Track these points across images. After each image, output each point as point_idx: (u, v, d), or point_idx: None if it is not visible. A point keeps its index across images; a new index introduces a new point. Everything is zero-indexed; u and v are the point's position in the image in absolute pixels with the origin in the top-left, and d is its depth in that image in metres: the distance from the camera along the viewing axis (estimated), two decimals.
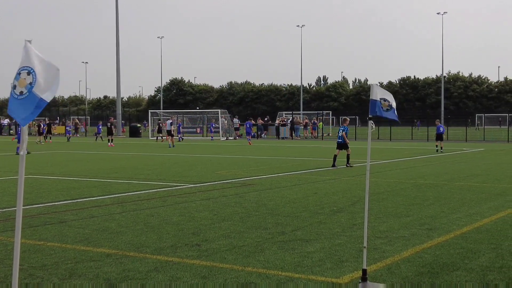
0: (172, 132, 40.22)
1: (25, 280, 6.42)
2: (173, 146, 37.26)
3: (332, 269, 6.89)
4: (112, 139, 40.11)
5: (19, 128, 31.79)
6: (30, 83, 4.13)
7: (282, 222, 9.98)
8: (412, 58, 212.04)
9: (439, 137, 31.42)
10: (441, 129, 31.83)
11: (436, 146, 31.25)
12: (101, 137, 50.28)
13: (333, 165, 21.17)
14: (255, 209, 11.39)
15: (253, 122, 51.16)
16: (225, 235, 8.82)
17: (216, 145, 40.09)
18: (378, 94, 6.33)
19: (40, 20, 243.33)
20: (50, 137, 46.82)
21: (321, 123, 67.44)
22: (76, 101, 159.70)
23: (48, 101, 4.14)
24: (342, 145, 21.86)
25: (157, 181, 16.59)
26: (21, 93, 4.12)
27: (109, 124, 41.58)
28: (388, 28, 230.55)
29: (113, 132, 41.71)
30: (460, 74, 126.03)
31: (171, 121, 42.67)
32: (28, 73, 4.15)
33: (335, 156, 21.62)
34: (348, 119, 23.84)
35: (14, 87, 4.15)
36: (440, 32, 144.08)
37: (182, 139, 49.19)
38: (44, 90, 4.13)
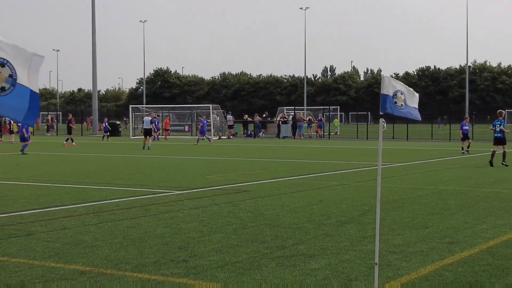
0: (154, 132, 39.45)
1: None
2: (148, 148, 35.26)
3: None
4: (72, 139, 39.92)
5: (19, 125, 31.62)
6: (11, 75, 4.09)
7: (282, 234, 9.99)
8: (433, 45, 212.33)
9: (465, 136, 31.32)
10: (464, 127, 31.72)
11: (462, 148, 31.13)
12: (107, 136, 50.34)
13: (491, 163, 22.36)
14: (251, 219, 11.40)
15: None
16: (217, 250, 8.83)
17: (206, 146, 40.07)
18: (390, 88, 6.32)
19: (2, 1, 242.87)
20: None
21: (337, 120, 67.71)
22: (46, 95, 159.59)
23: (38, 93, 4.13)
24: (501, 140, 23.05)
25: (139, 187, 16.58)
26: (3, 88, 4.08)
27: (67, 122, 41.61)
28: (404, 11, 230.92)
29: (72, 131, 41.61)
30: (488, 64, 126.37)
31: (150, 118, 40.48)
32: (2, 65, 4.11)
33: (493, 153, 22.86)
34: (504, 112, 24.86)
35: None
36: (465, 16, 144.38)
37: (158, 138, 49.28)
38: (30, 80, 4.11)
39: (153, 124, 41.18)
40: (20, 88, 4.09)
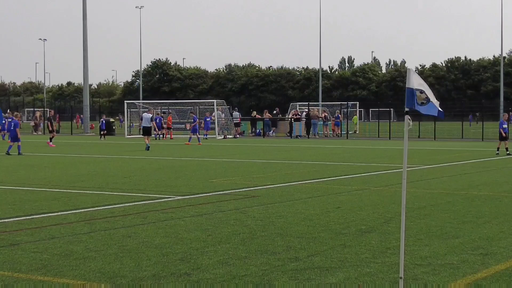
0: (154, 131, 39.10)
1: None
2: (147, 147, 34.73)
3: None
4: (51, 138, 40.03)
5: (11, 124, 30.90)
6: None
7: (295, 245, 9.99)
8: (463, 34, 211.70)
9: (502, 136, 31.14)
10: (503, 125, 31.50)
11: (498, 148, 30.98)
12: (104, 135, 50.55)
13: None
14: (260, 228, 11.40)
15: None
16: (222, 262, 8.84)
17: (211, 146, 40.13)
18: (415, 82, 6.32)
19: None
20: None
21: (356, 116, 67.74)
22: (32, 89, 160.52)
23: None
24: None
25: (135, 192, 16.62)
26: None
27: (47, 120, 41.86)
28: None
29: (53, 129, 41.77)
30: None
31: (150, 115, 39.91)
32: None
33: None
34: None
35: None
36: (499, 2, 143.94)
37: (161, 137, 49.44)
38: None
39: (154, 122, 40.99)
40: None
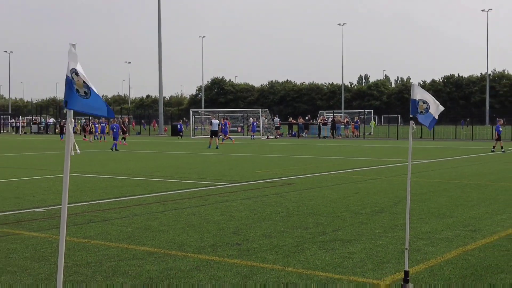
0: (219, 133, 38.57)
1: (70, 278, 6.55)
2: (217, 147, 34.62)
3: (373, 270, 6.84)
4: (124, 138, 40.46)
5: (113, 126, 31.65)
6: (85, 82, 4.21)
7: (322, 222, 9.95)
8: (456, 56, 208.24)
9: (499, 137, 30.38)
10: (499, 128, 30.66)
11: (494, 147, 30.22)
12: (181, 135, 51.05)
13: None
14: (295, 208, 11.39)
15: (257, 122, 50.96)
16: (266, 235, 8.84)
17: (257, 144, 40.16)
18: (418, 94, 6.26)
19: (83, 21, 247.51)
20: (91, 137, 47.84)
21: (373, 122, 67.47)
22: (120, 100, 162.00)
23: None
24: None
25: (198, 180, 16.72)
26: (85, 93, 4.22)
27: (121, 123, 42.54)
28: (430, 26, 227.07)
29: (125, 130, 42.31)
30: (506, 72, 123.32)
31: (217, 121, 38.95)
32: (77, 74, 4.24)
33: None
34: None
35: (77, 91, 4.23)
36: (485, 30, 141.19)
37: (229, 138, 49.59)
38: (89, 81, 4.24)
39: (220, 126, 40.84)
40: (92, 91, 4.22)
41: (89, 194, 13.48)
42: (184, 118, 78.76)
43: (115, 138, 33.24)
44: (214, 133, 36.48)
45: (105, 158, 26.17)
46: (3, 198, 12.83)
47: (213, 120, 38.56)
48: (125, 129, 42.18)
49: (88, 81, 4.23)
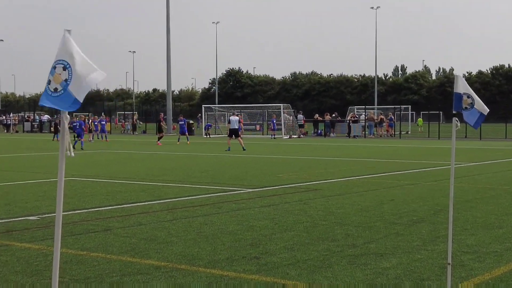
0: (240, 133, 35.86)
1: None
2: (243, 148, 32.22)
3: None
4: (160, 137, 40.78)
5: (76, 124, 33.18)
6: (66, 80, 4.22)
7: (352, 233, 9.91)
8: (507, 44, 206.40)
9: None
10: None
11: None
12: (209, 133, 51.34)
13: None
14: (322, 217, 11.36)
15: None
16: (288, 247, 8.83)
17: (278, 144, 40.15)
18: (462, 87, 6.20)
19: (80, 4, 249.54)
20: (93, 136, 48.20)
21: (420, 119, 67.63)
22: (123, 95, 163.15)
23: (80, 102, 4.23)
24: None
25: (211, 184, 16.75)
26: (56, 90, 4.21)
27: (157, 121, 42.80)
28: (478, 9, 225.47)
29: (162, 129, 42.57)
30: None
31: (237, 118, 36.77)
32: (64, 68, 4.24)
33: None
34: None
35: (49, 82, 4.25)
36: None
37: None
38: (78, 90, 4.22)
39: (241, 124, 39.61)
40: (68, 94, 4.20)
41: (88, 201, 13.55)
42: (198, 115, 78.93)
43: (79, 136, 35.36)
44: (233, 132, 34.31)
45: (106, 160, 26.33)
46: None
47: (231, 117, 36.19)
48: (161, 128, 42.65)
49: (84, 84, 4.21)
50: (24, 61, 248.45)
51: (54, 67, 4.26)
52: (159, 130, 42.49)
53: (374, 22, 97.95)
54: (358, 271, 7.50)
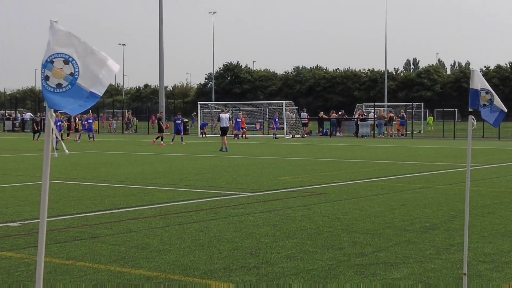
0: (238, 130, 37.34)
1: None
2: (226, 149, 32.86)
3: None
4: (161, 137, 40.77)
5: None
6: (72, 74, 4.22)
7: (360, 240, 9.93)
8: None
9: None
10: None
11: None
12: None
13: None
14: (327, 224, 11.37)
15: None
16: (290, 256, 8.84)
17: (279, 145, 40.18)
18: (479, 83, 6.21)
19: None
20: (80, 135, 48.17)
21: (431, 117, 67.60)
22: (112, 91, 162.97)
23: (99, 95, 4.24)
24: None
25: (208, 188, 16.76)
26: (59, 85, 4.21)
27: (158, 119, 43.06)
28: None
29: (163, 128, 42.90)
30: None
31: (228, 115, 37.79)
32: (66, 62, 4.23)
33: None
34: None
35: (47, 77, 4.23)
36: None
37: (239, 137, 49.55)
38: (93, 83, 4.22)
39: (231, 121, 40.62)
40: (78, 89, 4.20)
41: (74, 206, 13.56)
42: (194, 113, 79.00)
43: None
44: (225, 131, 35.24)
45: (94, 162, 26.34)
46: None
47: (222, 115, 36.85)
48: (162, 127, 42.81)
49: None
50: (4, 54, 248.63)
51: (51, 61, 4.24)
52: (160, 129, 42.56)
53: (384, 12, 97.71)
54: (366, 282, 7.52)
